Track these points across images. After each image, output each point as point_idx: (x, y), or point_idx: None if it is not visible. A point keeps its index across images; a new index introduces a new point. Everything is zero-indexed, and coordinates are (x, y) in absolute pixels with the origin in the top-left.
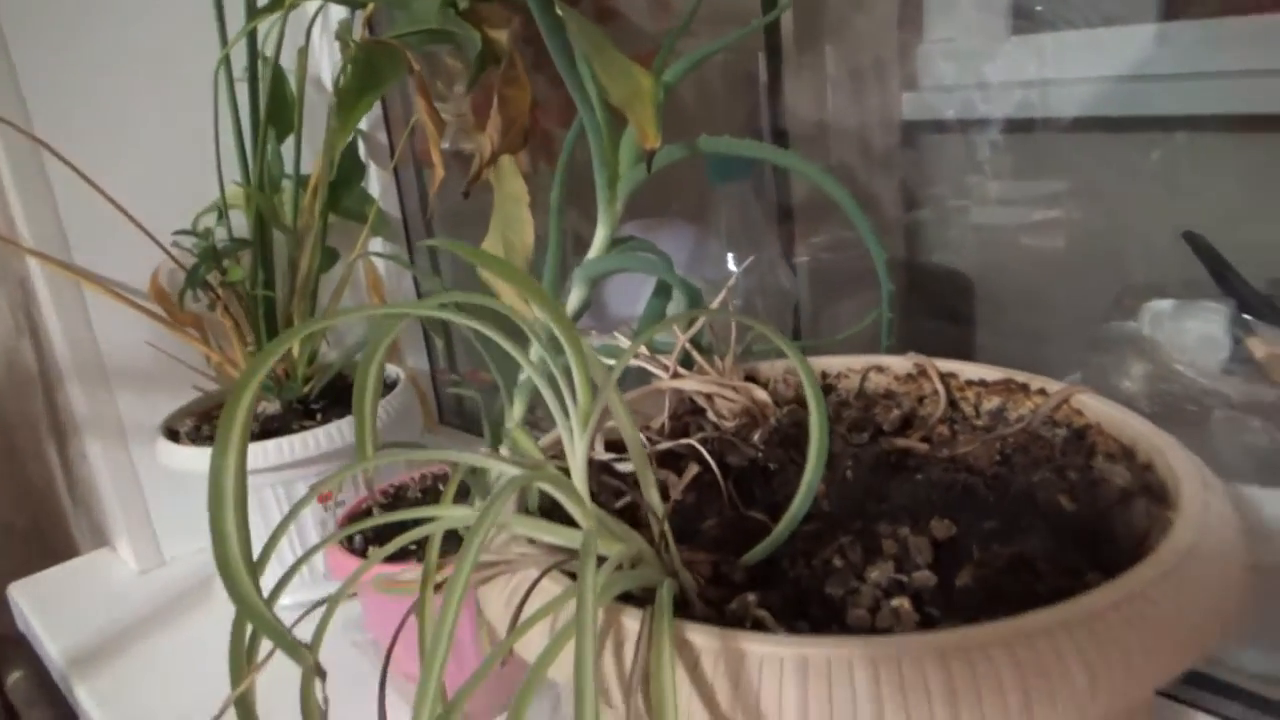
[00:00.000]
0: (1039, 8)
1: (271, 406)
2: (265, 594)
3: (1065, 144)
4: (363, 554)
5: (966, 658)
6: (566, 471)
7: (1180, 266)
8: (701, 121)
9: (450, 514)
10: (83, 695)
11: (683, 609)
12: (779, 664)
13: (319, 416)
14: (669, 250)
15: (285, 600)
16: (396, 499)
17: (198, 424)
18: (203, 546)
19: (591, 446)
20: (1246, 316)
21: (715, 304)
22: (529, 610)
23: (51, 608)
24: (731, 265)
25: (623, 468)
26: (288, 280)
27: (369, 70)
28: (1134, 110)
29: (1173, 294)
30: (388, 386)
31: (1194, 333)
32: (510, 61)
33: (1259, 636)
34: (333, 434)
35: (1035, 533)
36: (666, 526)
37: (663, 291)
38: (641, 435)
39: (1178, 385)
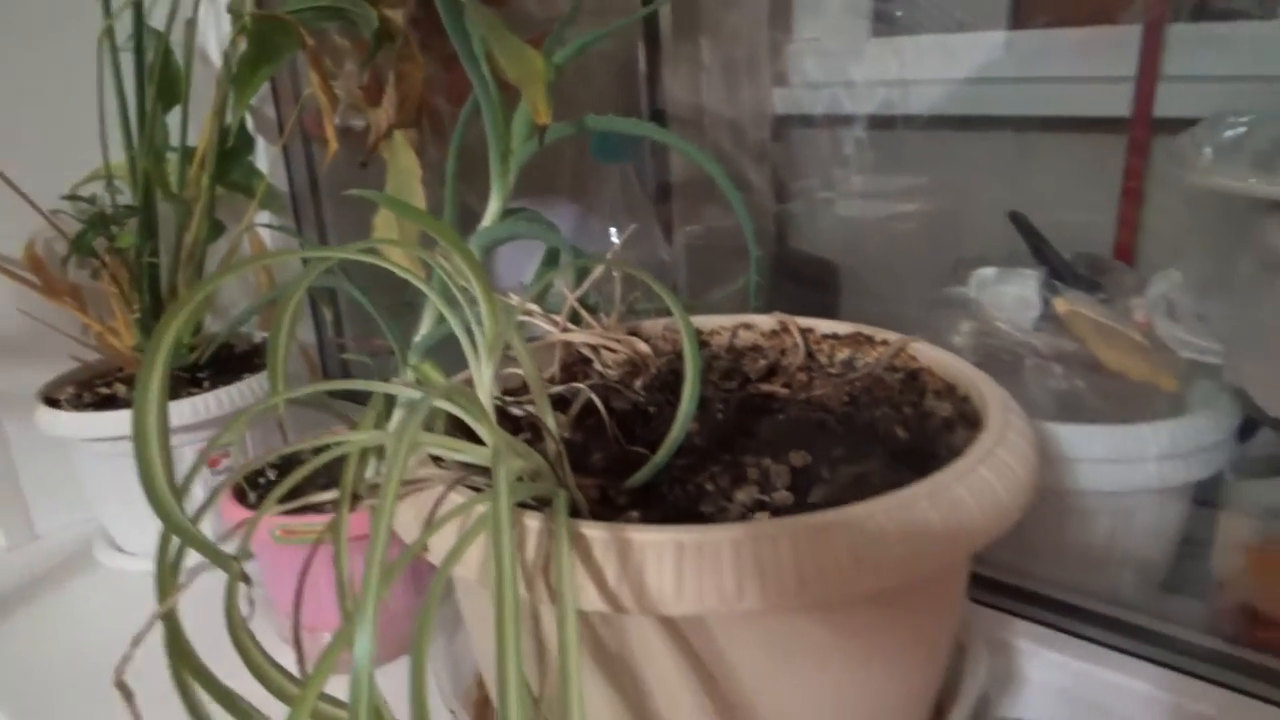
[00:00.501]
0: (898, 13)
1: None
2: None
3: (918, 139)
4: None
5: (809, 535)
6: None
7: (1006, 243)
8: (586, 106)
9: (364, 436)
10: None
11: (575, 517)
12: (658, 548)
13: (205, 385)
14: (556, 223)
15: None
16: (288, 462)
17: (78, 392)
18: (76, 520)
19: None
20: (1056, 282)
21: (595, 273)
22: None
23: None
24: (615, 239)
25: (515, 413)
26: (173, 250)
27: (264, 44)
28: (976, 110)
29: (997, 264)
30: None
31: (1011, 294)
32: (405, 40)
33: (1051, 550)
34: (221, 399)
35: (875, 457)
36: (562, 446)
37: (551, 260)
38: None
39: (997, 339)
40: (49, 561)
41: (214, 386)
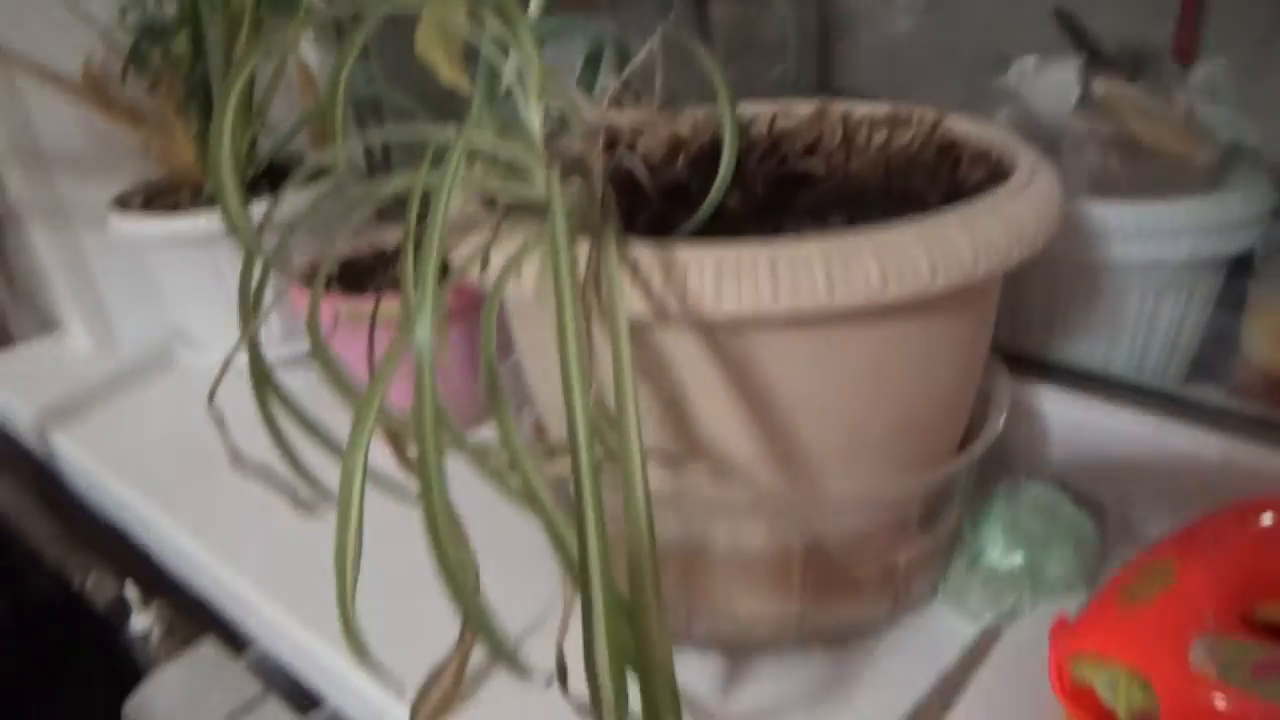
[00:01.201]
0: None
1: None
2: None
3: None
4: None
5: (840, 249)
6: None
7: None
8: None
9: (421, 175)
10: (63, 443)
11: None
12: (699, 261)
13: (262, 194)
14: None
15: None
16: (351, 267)
17: (148, 201)
18: (155, 327)
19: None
20: (1096, 68)
21: (644, 51)
22: (497, 250)
23: (11, 383)
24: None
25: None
26: (220, 65)
27: None
28: None
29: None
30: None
31: (1052, 81)
32: None
33: (1083, 327)
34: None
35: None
36: (608, 183)
37: (591, 63)
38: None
39: (1035, 124)
40: (132, 363)
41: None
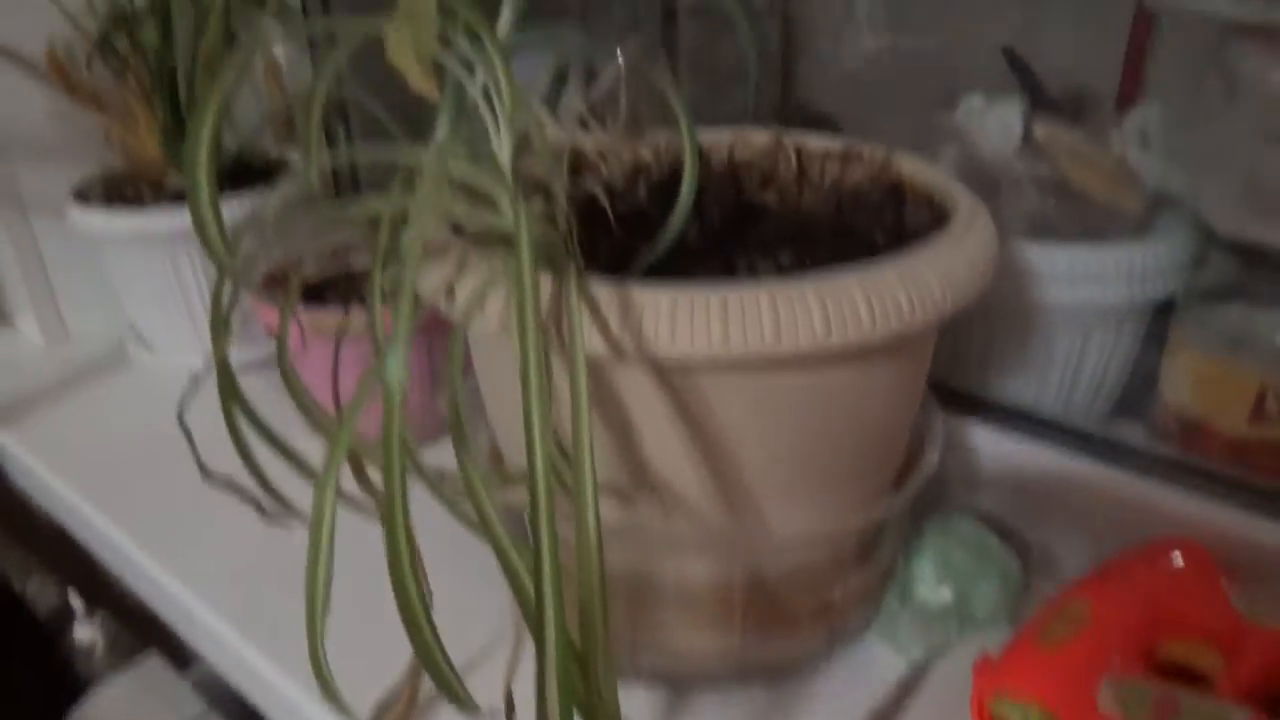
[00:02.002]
0: None
1: (180, 180)
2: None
3: None
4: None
5: (786, 296)
6: None
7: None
8: None
9: (394, 199)
10: (7, 441)
11: None
12: (656, 301)
13: (225, 193)
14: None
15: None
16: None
17: (108, 193)
18: (107, 321)
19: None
20: (1040, 111)
21: (608, 75)
22: (463, 281)
23: None
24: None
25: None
26: (189, 56)
27: None
28: None
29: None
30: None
31: (996, 121)
32: None
33: (1014, 365)
34: (245, 204)
35: (855, 258)
36: (571, 215)
37: (560, 77)
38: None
39: (979, 162)
40: (84, 359)
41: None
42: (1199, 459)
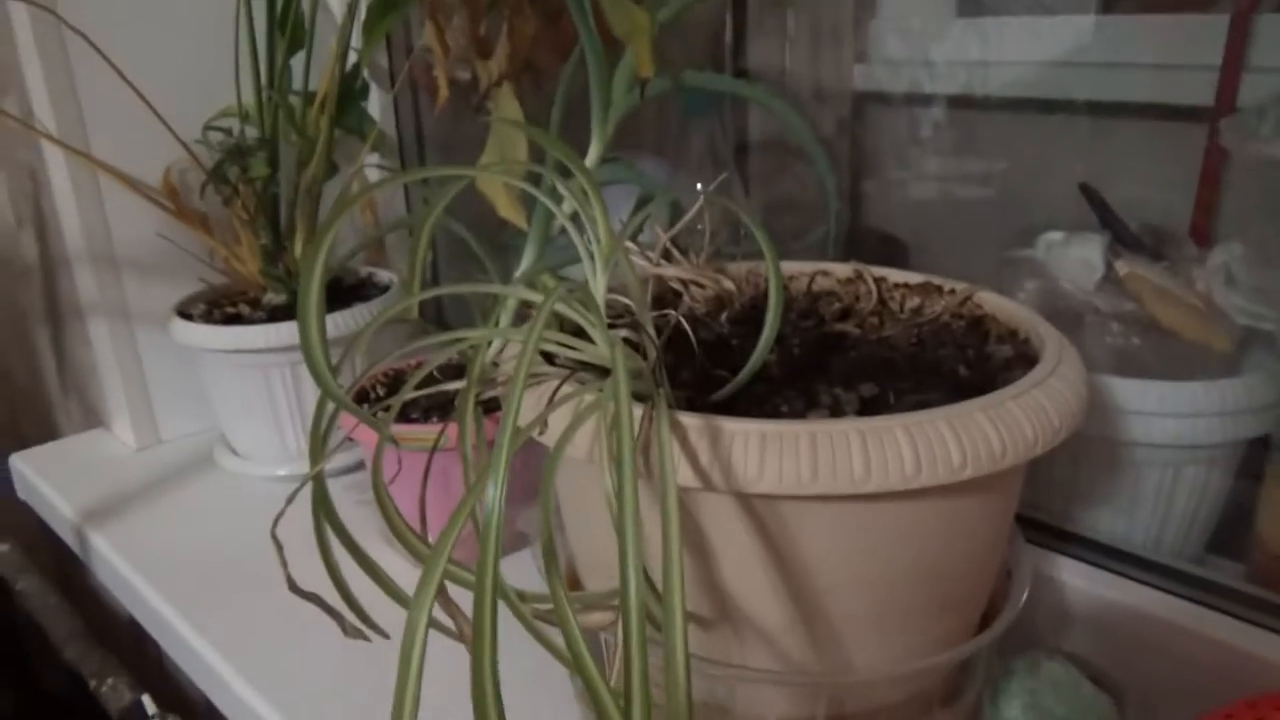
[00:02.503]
0: None
1: (278, 298)
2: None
3: (997, 121)
4: None
5: (876, 434)
6: None
7: (1078, 221)
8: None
9: (491, 331)
10: (99, 542)
11: None
12: (744, 435)
13: None
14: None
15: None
16: (395, 380)
17: (209, 308)
18: (198, 429)
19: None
20: (1120, 247)
21: (693, 210)
22: (556, 411)
23: (55, 474)
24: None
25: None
26: (292, 185)
27: None
28: (1057, 94)
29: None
30: (382, 289)
31: (1076, 256)
32: None
33: (1102, 499)
34: (337, 322)
35: (939, 390)
36: (659, 350)
37: (640, 210)
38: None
39: (1060, 298)
40: (173, 464)
41: (328, 313)
42: None
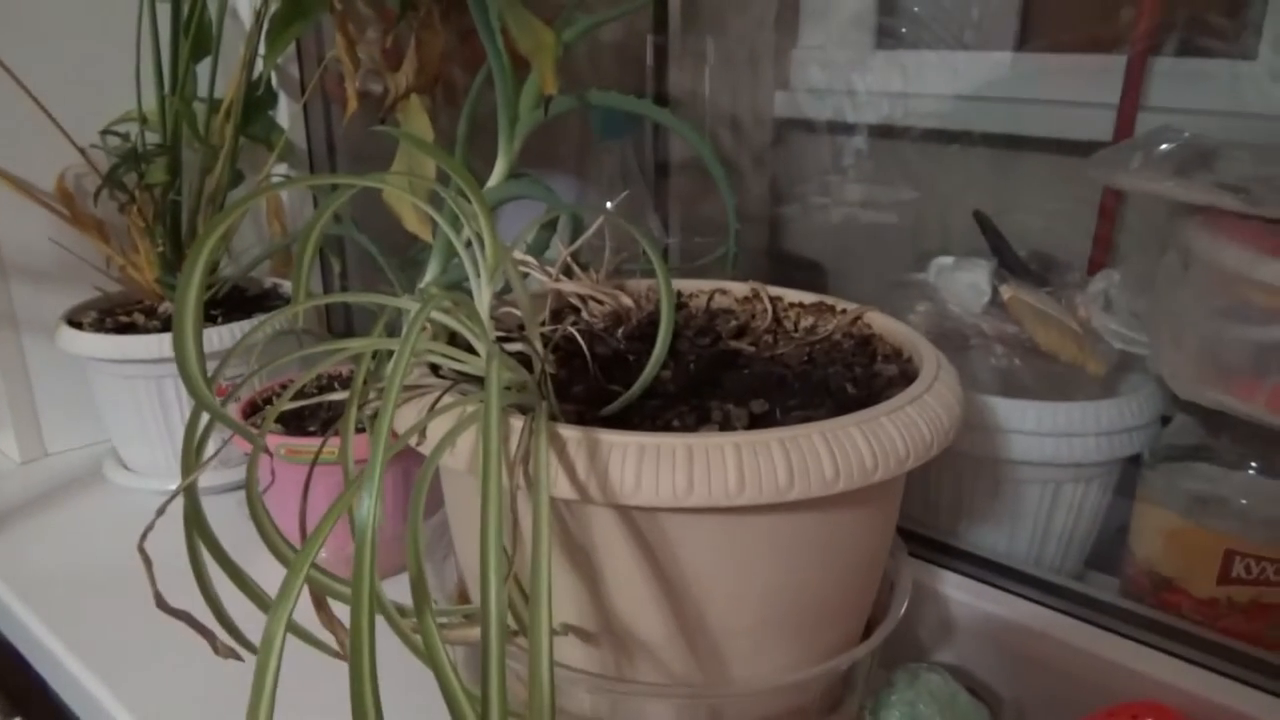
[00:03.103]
0: (903, 29)
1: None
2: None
3: (912, 151)
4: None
5: (751, 447)
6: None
7: (978, 246)
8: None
9: (374, 341)
10: None
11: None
12: (622, 447)
13: (219, 320)
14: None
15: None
16: (299, 393)
17: (100, 318)
18: (86, 441)
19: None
20: (1005, 272)
21: (594, 227)
22: (434, 421)
23: None
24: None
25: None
26: (195, 192)
27: (297, 3)
28: (969, 126)
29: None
30: (287, 300)
31: (964, 281)
32: (428, 10)
33: (985, 515)
34: (235, 331)
35: (825, 407)
36: (547, 364)
37: (549, 225)
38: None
39: (948, 320)
40: (60, 477)
41: (226, 323)
42: (1170, 617)
